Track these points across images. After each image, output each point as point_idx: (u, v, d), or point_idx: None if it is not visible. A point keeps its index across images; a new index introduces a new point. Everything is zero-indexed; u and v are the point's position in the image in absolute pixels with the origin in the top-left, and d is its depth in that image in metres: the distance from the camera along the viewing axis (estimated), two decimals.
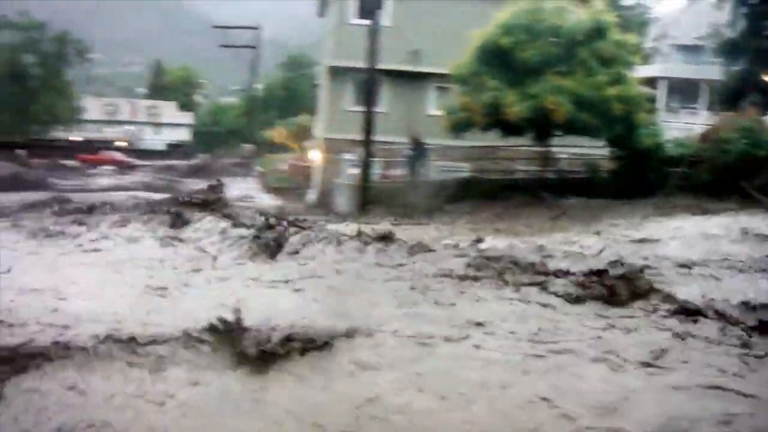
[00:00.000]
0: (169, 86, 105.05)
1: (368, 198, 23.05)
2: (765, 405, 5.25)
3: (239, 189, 35.77)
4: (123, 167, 56.78)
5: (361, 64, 24.77)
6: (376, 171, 25.39)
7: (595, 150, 24.64)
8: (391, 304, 8.12)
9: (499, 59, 21.66)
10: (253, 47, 55.89)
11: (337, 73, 29.36)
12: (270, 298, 8.34)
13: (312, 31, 46.91)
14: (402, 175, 25.13)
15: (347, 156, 26.14)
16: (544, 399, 5.35)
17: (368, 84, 24.65)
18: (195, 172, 48.51)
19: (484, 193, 22.65)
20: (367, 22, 24.66)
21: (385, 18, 25.99)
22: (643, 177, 22.02)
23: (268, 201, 29.94)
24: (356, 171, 24.50)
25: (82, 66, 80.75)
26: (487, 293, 8.69)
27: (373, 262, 10.44)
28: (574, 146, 24.95)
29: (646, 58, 42.32)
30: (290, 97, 73.56)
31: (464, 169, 26.28)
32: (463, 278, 9.33)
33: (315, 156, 31.88)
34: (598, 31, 21.53)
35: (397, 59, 27.11)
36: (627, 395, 5.43)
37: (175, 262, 10.64)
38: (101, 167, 54.98)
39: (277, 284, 9.14)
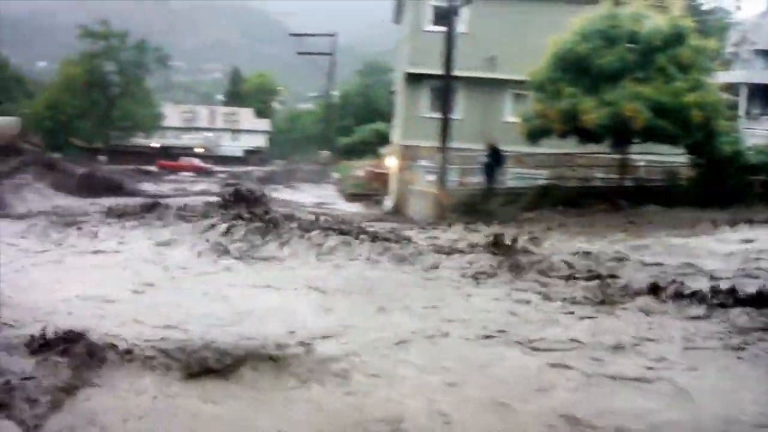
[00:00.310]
0: (246, 93, 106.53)
1: (444, 205, 23.12)
2: (690, 400, 5.51)
3: (315, 195, 36.24)
4: (201, 173, 57.84)
5: (437, 70, 24.79)
6: (453, 178, 25.43)
7: (674, 157, 24.33)
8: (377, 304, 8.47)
9: (576, 66, 21.56)
10: (330, 54, 56.43)
11: (413, 79, 29.54)
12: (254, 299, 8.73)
13: (388, 37, 47.24)
14: (478, 182, 25.13)
15: (423, 163, 26.26)
16: (463, 384, 5.80)
17: (444, 90, 24.75)
18: (270, 178, 49.14)
19: (560, 201, 22.55)
20: (442, 28, 24.75)
21: (461, 24, 25.95)
22: (723, 185, 21.65)
23: (344, 207, 30.18)
24: (432, 178, 24.58)
25: (162, 73, 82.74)
26: (483, 292, 9.37)
27: (369, 265, 11.10)
28: (653, 153, 24.69)
29: (727, 64, 41.53)
30: (366, 104, 73.88)
31: (541, 177, 26.18)
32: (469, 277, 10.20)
33: (391, 162, 32.08)
34: (676, 37, 21.27)
35: (473, 66, 27.09)
36: (550, 386, 5.81)
37: (177, 262, 11.23)
38: (180, 173, 56.09)
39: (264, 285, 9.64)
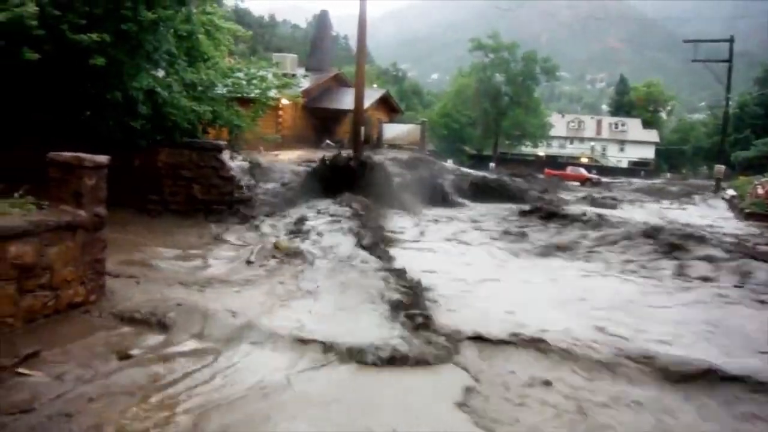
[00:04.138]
0: (633, 103, 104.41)
1: None
2: None
3: (704, 215, 33.95)
4: (588, 184, 56.96)
5: None
6: None
7: None
8: None
9: None
10: (728, 61, 52.74)
11: None
12: None
13: None
14: None
15: None
16: None
17: None
18: (657, 192, 46.97)
19: None
20: None
21: None
22: None
23: (739, 228, 27.71)
24: None
25: (549, 84, 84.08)
26: None
27: None
28: None
29: None
30: (766, 115, 68.59)
31: None
32: None
33: None
34: None
35: None
36: None
37: None
38: (568, 182, 55.55)
39: None
